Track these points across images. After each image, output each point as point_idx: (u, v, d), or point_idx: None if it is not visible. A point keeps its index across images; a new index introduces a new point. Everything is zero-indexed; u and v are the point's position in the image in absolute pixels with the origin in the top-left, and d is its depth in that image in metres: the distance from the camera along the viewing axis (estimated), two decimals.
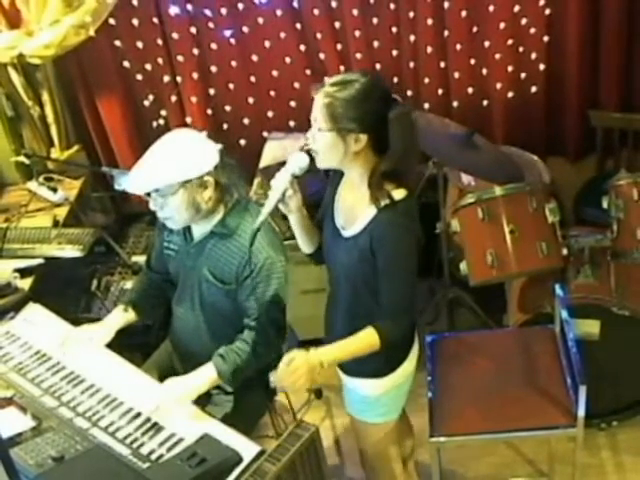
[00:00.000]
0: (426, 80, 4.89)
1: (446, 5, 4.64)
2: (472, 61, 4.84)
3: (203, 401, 3.15)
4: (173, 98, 4.97)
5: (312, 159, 2.76)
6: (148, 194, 3.03)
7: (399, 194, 2.72)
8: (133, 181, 3.04)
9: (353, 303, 2.92)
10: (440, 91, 4.94)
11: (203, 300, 3.24)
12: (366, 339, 2.77)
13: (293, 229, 3.02)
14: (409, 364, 3.07)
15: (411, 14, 4.70)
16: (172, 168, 2.95)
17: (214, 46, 4.85)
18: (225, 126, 5.10)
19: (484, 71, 4.87)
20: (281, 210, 2.88)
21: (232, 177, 3.08)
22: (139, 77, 4.92)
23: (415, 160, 2.83)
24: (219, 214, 3.10)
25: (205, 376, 3.03)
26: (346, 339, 2.81)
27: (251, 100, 5.01)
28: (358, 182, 2.78)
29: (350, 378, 3.11)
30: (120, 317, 3.35)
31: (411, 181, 2.80)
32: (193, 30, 4.78)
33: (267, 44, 4.84)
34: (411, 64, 4.88)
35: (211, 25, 4.78)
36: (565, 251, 3.77)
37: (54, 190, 4.57)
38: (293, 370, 2.66)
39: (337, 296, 3.02)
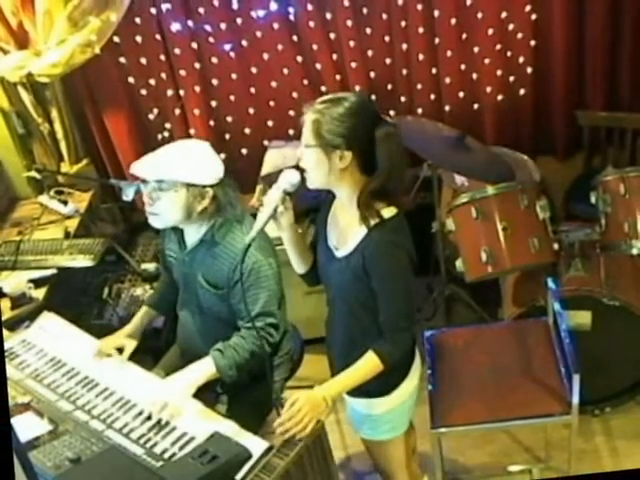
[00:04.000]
0: (419, 86, 4.90)
1: (436, 14, 4.65)
2: (462, 66, 4.85)
3: (212, 400, 3.16)
4: (177, 111, 4.98)
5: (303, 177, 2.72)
6: (144, 182, 3.03)
7: (388, 212, 2.67)
8: (143, 164, 3.03)
9: (350, 322, 2.86)
10: (432, 96, 4.95)
11: (200, 305, 3.26)
12: (367, 365, 2.74)
13: (285, 247, 2.97)
14: (411, 381, 2.99)
15: (403, 23, 4.72)
16: (184, 166, 2.97)
17: (215, 60, 4.86)
18: (227, 136, 5.11)
19: (474, 76, 4.88)
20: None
21: (229, 196, 3.08)
22: (144, 92, 4.94)
23: (403, 179, 2.77)
24: (208, 224, 3.10)
25: (202, 369, 3.01)
26: (348, 370, 2.77)
27: (251, 110, 5.02)
28: (348, 203, 2.73)
29: (353, 398, 3.04)
30: (139, 319, 3.43)
31: (400, 199, 2.75)
32: (194, 45, 4.79)
33: (265, 56, 4.85)
34: (404, 71, 4.89)
35: (211, 40, 4.79)
36: (556, 246, 3.77)
37: (65, 203, 4.57)
38: (294, 413, 2.63)
39: (335, 316, 2.97)
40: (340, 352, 2.94)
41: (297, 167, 2.73)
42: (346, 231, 2.76)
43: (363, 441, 3.25)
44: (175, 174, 2.96)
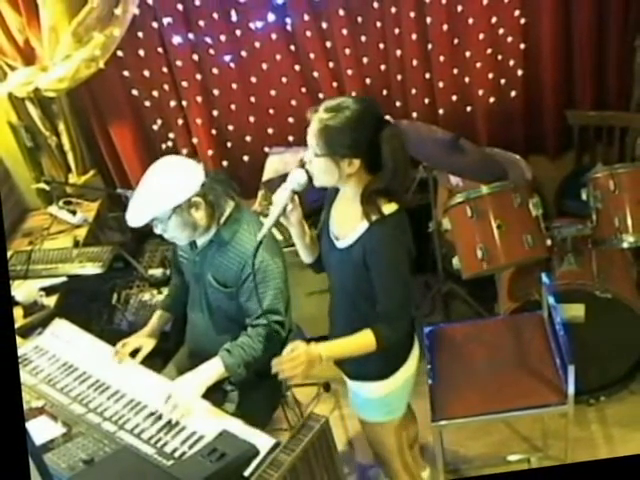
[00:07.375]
0: (413, 91, 4.90)
1: (428, 20, 4.65)
2: (455, 71, 4.84)
3: (219, 399, 3.16)
4: (180, 121, 4.98)
5: (310, 176, 2.74)
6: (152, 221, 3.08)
7: (389, 208, 2.69)
8: (133, 215, 3.07)
9: (349, 309, 2.91)
10: (427, 100, 4.94)
11: (210, 304, 3.28)
12: (363, 340, 2.76)
13: (294, 241, 3.02)
14: (409, 367, 3.03)
15: (396, 30, 4.71)
16: (159, 198, 3.00)
17: (215, 71, 4.86)
18: (229, 144, 5.11)
19: (467, 79, 4.87)
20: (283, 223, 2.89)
21: (218, 191, 3.11)
22: (147, 103, 4.94)
23: (406, 178, 2.76)
24: (216, 227, 3.13)
25: (212, 369, 3.03)
26: (344, 338, 2.82)
27: (252, 119, 5.02)
28: (351, 198, 2.75)
29: (353, 381, 3.10)
30: (156, 321, 3.48)
31: (401, 196, 2.76)
32: (195, 57, 4.79)
33: (264, 66, 4.85)
34: (398, 77, 4.88)
35: (212, 51, 4.79)
36: (549, 242, 3.77)
37: (73, 213, 4.59)
38: (294, 357, 2.68)
39: (335, 302, 3.03)
40: (340, 335, 2.93)
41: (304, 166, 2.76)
42: (348, 223, 2.78)
43: (362, 425, 3.31)
44: (157, 209, 3.01)
